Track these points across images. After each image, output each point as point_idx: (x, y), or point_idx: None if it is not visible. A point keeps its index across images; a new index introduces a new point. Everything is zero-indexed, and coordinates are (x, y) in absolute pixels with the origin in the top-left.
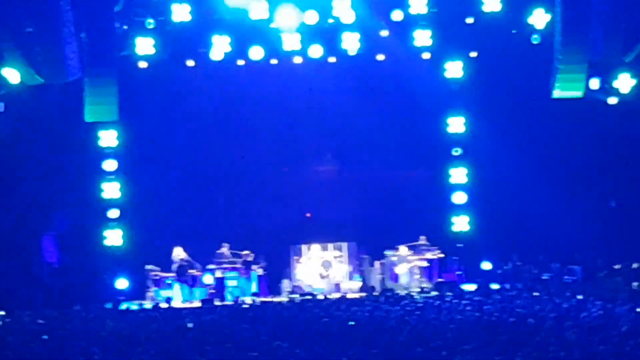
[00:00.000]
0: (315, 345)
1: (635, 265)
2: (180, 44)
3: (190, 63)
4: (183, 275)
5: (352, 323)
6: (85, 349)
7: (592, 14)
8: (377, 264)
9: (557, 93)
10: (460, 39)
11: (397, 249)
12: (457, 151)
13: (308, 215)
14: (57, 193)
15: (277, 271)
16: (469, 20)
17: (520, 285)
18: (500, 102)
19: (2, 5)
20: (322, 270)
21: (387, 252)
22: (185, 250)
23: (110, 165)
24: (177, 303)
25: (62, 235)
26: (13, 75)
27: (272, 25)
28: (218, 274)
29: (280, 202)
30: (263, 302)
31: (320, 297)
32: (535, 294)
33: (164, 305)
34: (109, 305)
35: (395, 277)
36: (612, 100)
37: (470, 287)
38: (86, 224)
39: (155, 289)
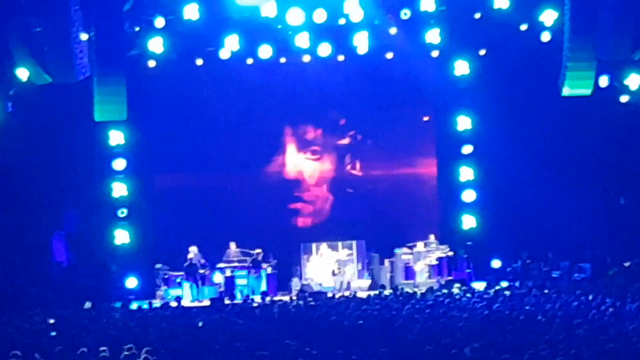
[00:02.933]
0: (325, 343)
1: None
2: (189, 42)
3: (199, 62)
4: (192, 274)
5: (361, 322)
6: (94, 348)
7: (601, 11)
8: (386, 262)
9: (566, 91)
10: (469, 36)
11: (413, 246)
12: (466, 149)
13: None
14: (66, 192)
15: (287, 270)
16: (477, 17)
17: (529, 283)
18: (509, 99)
19: (11, 5)
20: (335, 267)
21: (398, 250)
22: (196, 249)
23: (119, 164)
24: (186, 302)
25: (71, 235)
26: (22, 75)
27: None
28: (228, 272)
29: (290, 200)
30: (272, 301)
31: (330, 295)
32: (545, 291)
33: (173, 304)
34: (118, 304)
35: (410, 275)
36: (623, 98)
37: (479, 285)
38: (96, 223)
39: (165, 287)
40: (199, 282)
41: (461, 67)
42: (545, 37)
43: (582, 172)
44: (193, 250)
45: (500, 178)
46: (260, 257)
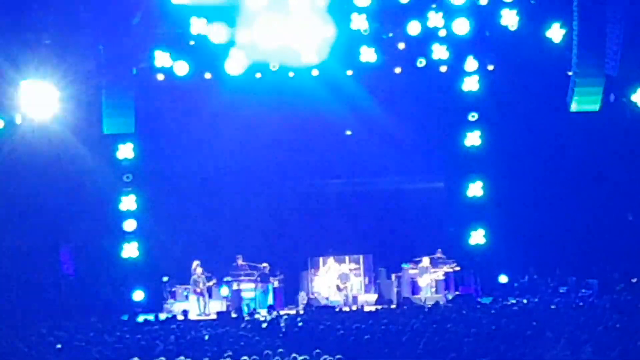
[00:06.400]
0: (331, 357)
1: None
2: (198, 56)
3: (207, 75)
4: (199, 288)
5: (368, 336)
6: None
7: (609, 27)
8: (393, 276)
9: (574, 107)
10: (478, 52)
11: (419, 261)
12: (474, 164)
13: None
14: (74, 205)
15: (294, 283)
16: (487, 33)
17: (537, 299)
18: (517, 115)
19: (21, 17)
20: (338, 282)
21: (405, 265)
22: (202, 262)
23: (127, 177)
24: (193, 315)
25: (79, 247)
26: (31, 87)
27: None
28: (235, 286)
29: (297, 214)
30: (279, 315)
31: (337, 309)
32: (552, 307)
33: (180, 317)
34: (125, 317)
35: (416, 290)
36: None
37: (486, 300)
38: (103, 236)
39: (172, 301)
40: (206, 296)
41: (470, 83)
42: (554, 53)
43: (590, 187)
44: (196, 265)
45: (508, 193)
46: (267, 271)
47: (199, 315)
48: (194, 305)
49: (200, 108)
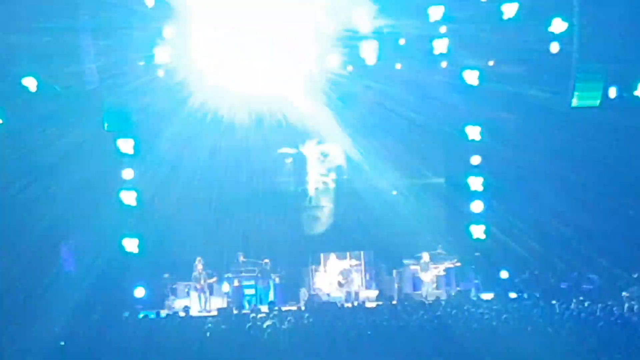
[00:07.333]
0: (333, 353)
1: None
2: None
3: None
4: (200, 284)
5: (369, 332)
6: (102, 357)
7: (611, 22)
8: (394, 272)
9: (575, 102)
10: (478, 47)
11: (420, 257)
12: (475, 159)
13: None
14: (75, 202)
15: (295, 280)
16: (487, 28)
17: (538, 294)
18: (518, 110)
19: (20, 14)
20: (340, 278)
21: (407, 261)
22: (203, 259)
23: (128, 173)
24: (194, 312)
25: (80, 244)
26: (31, 84)
27: None
28: (236, 282)
29: (298, 211)
30: (280, 311)
31: (338, 305)
32: (553, 302)
33: (181, 314)
34: (126, 314)
35: (417, 285)
36: None
37: (487, 296)
38: (104, 233)
39: (173, 297)
40: (207, 292)
41: (470, 78)
42: (555, 47)
43: (590, 183)
44: (199, 261)
45: (509, 189)
46: (268, 267)
47: (200, 311)
48: (195, 301)
49: (201, 104)
